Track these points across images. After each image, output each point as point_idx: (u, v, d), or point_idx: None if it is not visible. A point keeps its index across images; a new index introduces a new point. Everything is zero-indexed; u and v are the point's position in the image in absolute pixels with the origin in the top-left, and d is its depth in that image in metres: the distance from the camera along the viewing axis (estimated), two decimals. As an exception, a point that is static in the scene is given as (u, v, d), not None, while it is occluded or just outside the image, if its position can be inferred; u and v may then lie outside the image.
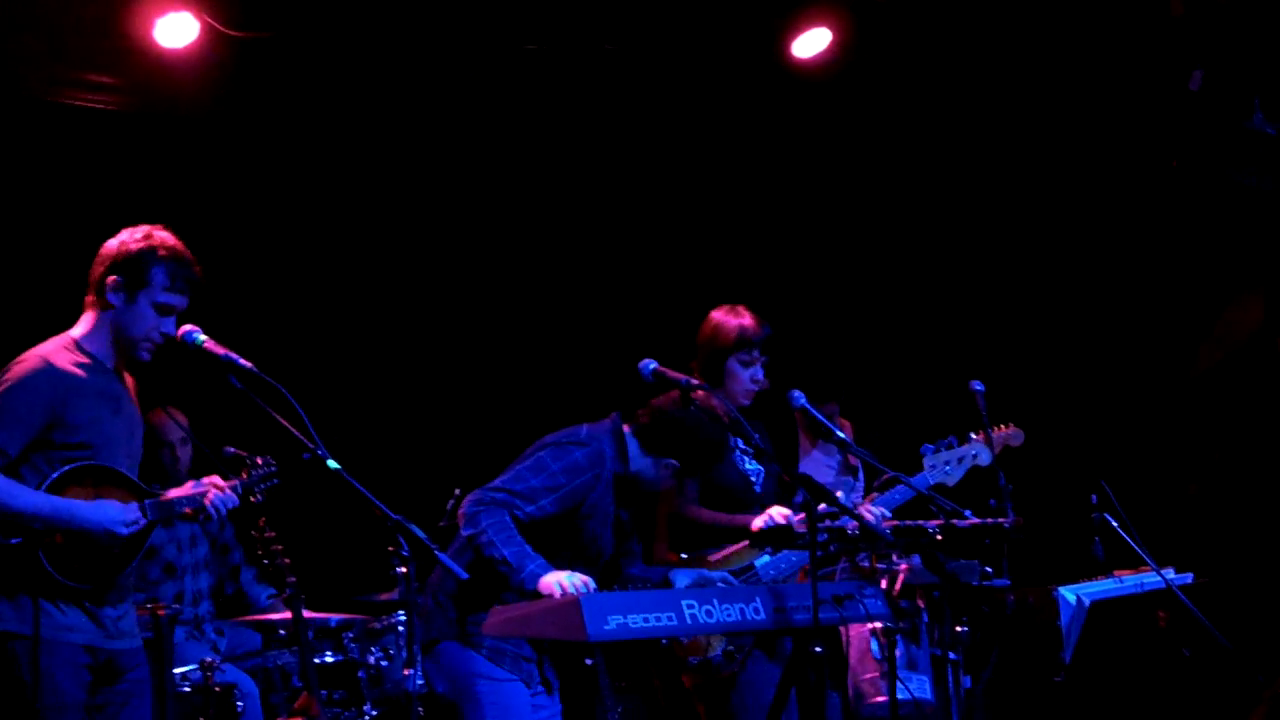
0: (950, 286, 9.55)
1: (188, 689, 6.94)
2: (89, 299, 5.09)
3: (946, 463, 6.57)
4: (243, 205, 8.42)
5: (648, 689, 7.49)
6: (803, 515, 5.90)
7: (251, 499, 5.25)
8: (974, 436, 6.62)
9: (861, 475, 7.03)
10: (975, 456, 6.63)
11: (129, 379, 5.17)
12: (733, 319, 6.37)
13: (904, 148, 9.31)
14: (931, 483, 6.53)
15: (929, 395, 7.99)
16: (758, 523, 6.10)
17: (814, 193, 9.53)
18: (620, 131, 8.91)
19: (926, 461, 6.56)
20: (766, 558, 6.13)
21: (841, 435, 6.33)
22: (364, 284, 8.83)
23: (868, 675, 6.41)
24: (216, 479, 5.17)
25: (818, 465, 7.27)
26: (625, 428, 5.80)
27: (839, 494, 6.50)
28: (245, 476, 5.22)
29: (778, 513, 6.09)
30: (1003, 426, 6.79)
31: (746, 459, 6.40)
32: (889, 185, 9.52)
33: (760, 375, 6.38)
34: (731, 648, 5.99)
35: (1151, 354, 9.01)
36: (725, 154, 9.20)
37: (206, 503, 5.07)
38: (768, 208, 9.49)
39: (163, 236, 5.07)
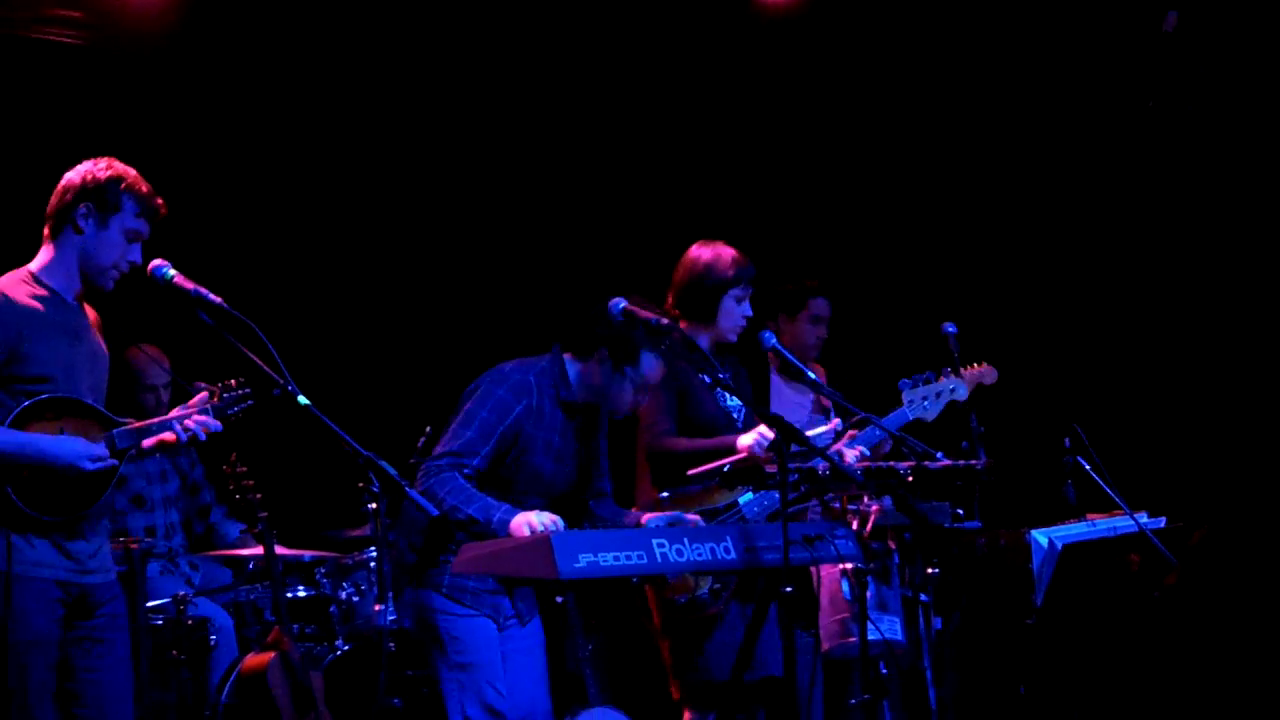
0: (922, 226, 9.52)
1: (160, 622, 6.96)
2: (46, 232, 5.03)
3: (924, 398, 6.52)
4: (210, 141, 8.34)
5: (615, 627, 7.52)
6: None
7: (231, 416, 5.15)
8: (949, 372, 6.60)
9: (834, 416, 7.01)
10: (953, 391, 6.59)
11: (91, 312, 5.12)
12: (725, 253, 6.26)
13: (872, 88, 9.26)
14: (910, 418, 6.48)
15: (901, 337, 7.97)
16: (745, 441, 5.96)
17: (782, 132, 9.48)
18: (585, 70, 8.86)
19: (905, 396, 6.49)
20: (750, 495, 6.08)
21: (812, 376, 6.31)
22: (332, 218, 8.76)
23: (838, 616, 6.42)
24: (195, 399, 5.10)
25: (790, 405, 7.26)
26: (565, 355, 5.76)
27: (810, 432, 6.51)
28: (217, 400, 5.14)
29: (766, 430, 5.91)
30: (976, 365, 6.78)
31: (727, 396, 6.33)
32: (858, 126, 9.46)
33: (750, 310, 6.32)
34: (718, 586, 5.96)
35: (1126, 296, 9.01)
36: (693, 93, 9.13)
37: (181, 426, 4.99)
38: (735, 147, 9.43)
39: (124, 166, 5.03)
